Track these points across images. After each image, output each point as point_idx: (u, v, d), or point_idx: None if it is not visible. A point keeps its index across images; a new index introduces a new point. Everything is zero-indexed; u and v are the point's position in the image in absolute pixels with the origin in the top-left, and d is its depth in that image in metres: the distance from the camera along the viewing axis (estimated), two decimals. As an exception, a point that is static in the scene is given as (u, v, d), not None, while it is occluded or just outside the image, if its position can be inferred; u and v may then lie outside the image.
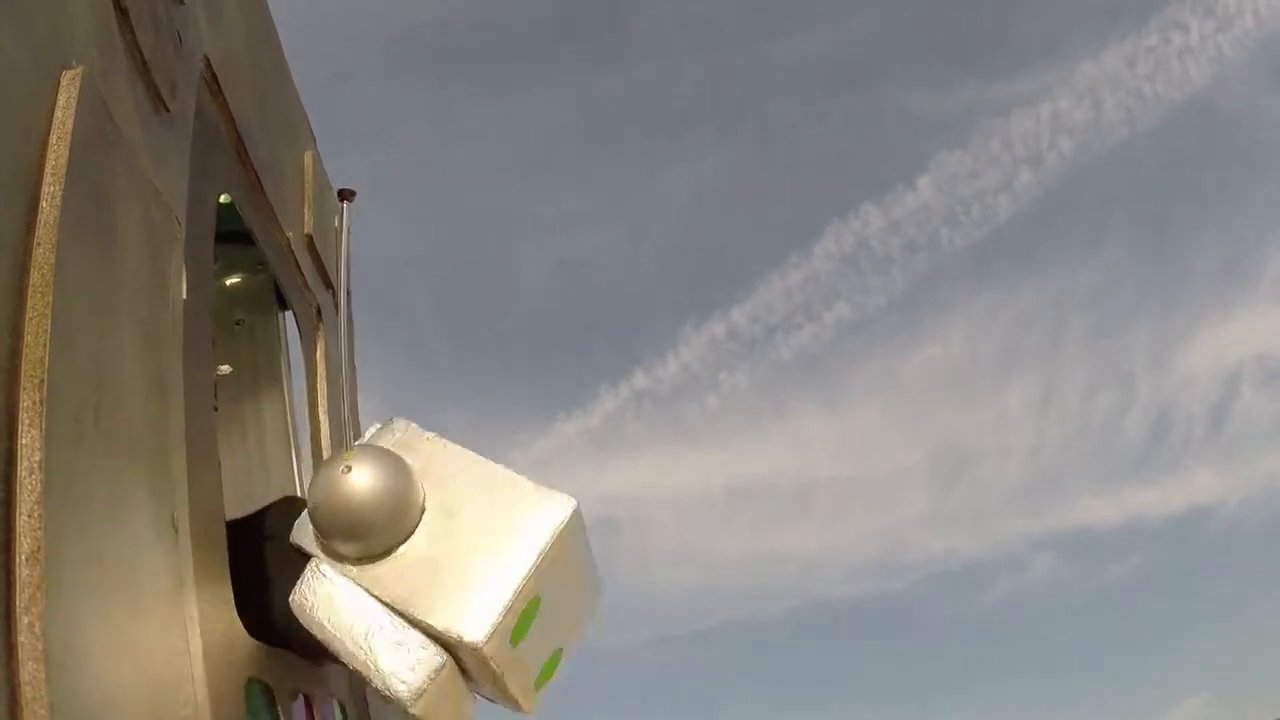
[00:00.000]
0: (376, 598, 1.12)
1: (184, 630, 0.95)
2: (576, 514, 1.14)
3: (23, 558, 0.69)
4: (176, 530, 0.98)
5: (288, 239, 1.87)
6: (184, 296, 1.15)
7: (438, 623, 1.09)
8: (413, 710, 1.09)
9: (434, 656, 1.09)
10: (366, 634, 1.10)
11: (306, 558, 1.19)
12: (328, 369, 2.10)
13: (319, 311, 2.11)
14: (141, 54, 1.09)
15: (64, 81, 0.89)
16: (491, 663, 1.08)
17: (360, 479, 1.13)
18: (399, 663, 1.09)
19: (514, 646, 1.11)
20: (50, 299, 0.78)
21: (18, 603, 0.68)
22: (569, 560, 1.15)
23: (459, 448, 1.22)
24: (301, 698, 1.50)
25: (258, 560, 1.26)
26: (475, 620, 1.08)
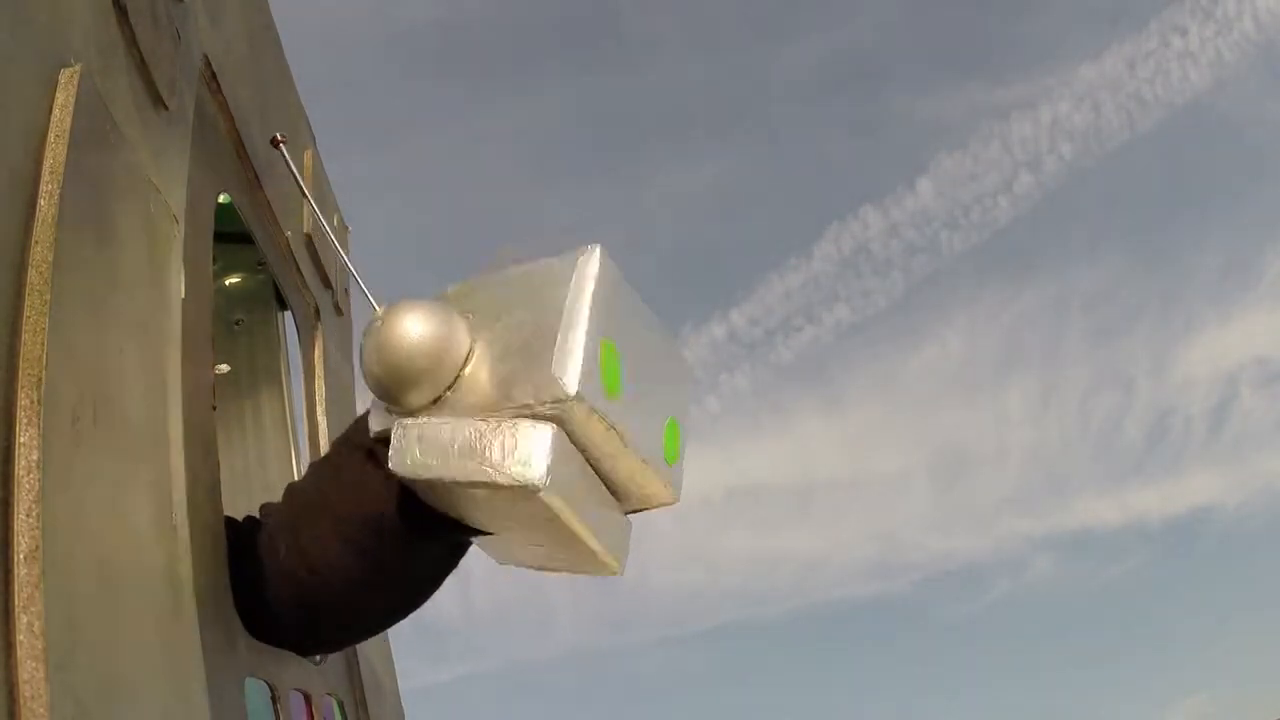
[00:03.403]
0: (465, 419, 1.04)
1: (183, 629, 0.95)
2: (605, 255, 1.05)
3: (21, 556, 0.69)
4: (176, 530, 0.98)
5: (286, 238, 1.87)
6: (183, 295, 1.15)
7: (527, 396, 1.01)
8: (548, 496, 0.98)
9: (542, 427, 0.99)
10: (469, 447, 1.01)
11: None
12: (326, 368, 2.10)
13: (317, 311, 2.11)
14: (140, 51, 1.09)
15: (62, 80, 0.89)
16: (599, 417, 1.00)
17: (393, 328, 1.07)
18: (507, 451, 0.99)
19: (613, 397, 1.02)
20: (48, 297, 0.78)
21: (16, 602, 0.68)
22: (625, 305, 1.07)
23: (479, 275, 1.16)
24: (300, 696, 1.50)
25: (257, 558, 1.26)
26: (560, 373, 0.99)
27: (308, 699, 1.53)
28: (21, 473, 0.71)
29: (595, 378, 1.01)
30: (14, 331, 0.76)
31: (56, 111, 0.87)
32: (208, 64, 1.39)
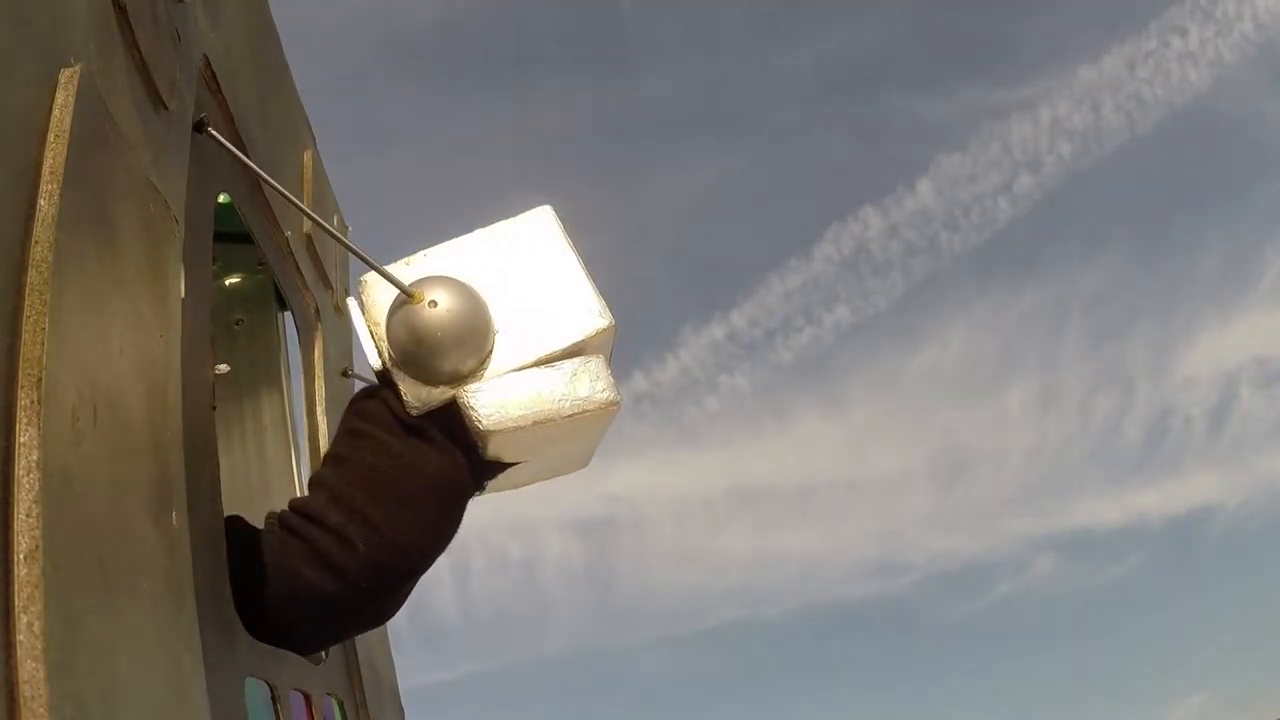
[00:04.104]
0: (519, 370, 1.24)
1: (183, 629, 0.95)
2: (555, 213, 1.35)
3: (21, 556, 0.69)
4: (175, 530, 0.98)
5: (286, 239, 1.87)
6: (183, 295, 1.15)
7: (572, 337, 1.25)
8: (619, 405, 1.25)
9: (596, 360, 1.25)
10: (553, 390, 1.23)
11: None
12: (326, 369, 2.10)
13: (317, 311, 2.11)
14: (140, 52, 1.09)
15: (62, 80, 0.89)
16: (613, 329, 1.28)
17: (448, 303, 1.23)
18: (588, 385, 1.23)
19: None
20: (48, 297, 0.78)
21: (16, 601, 0.68)
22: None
23: (437, 247, 1.34)
24: (300, 696, 1.50)
25: (257, 559, 1.26)
26: (591, 311, 1.27)
27: (308, 699, 1.53)
28: (21, 473, 0.71)
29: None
30: (14, 331, 0.76)
31: (56, 112, 0.87)
32: (208, 64, 1.39)
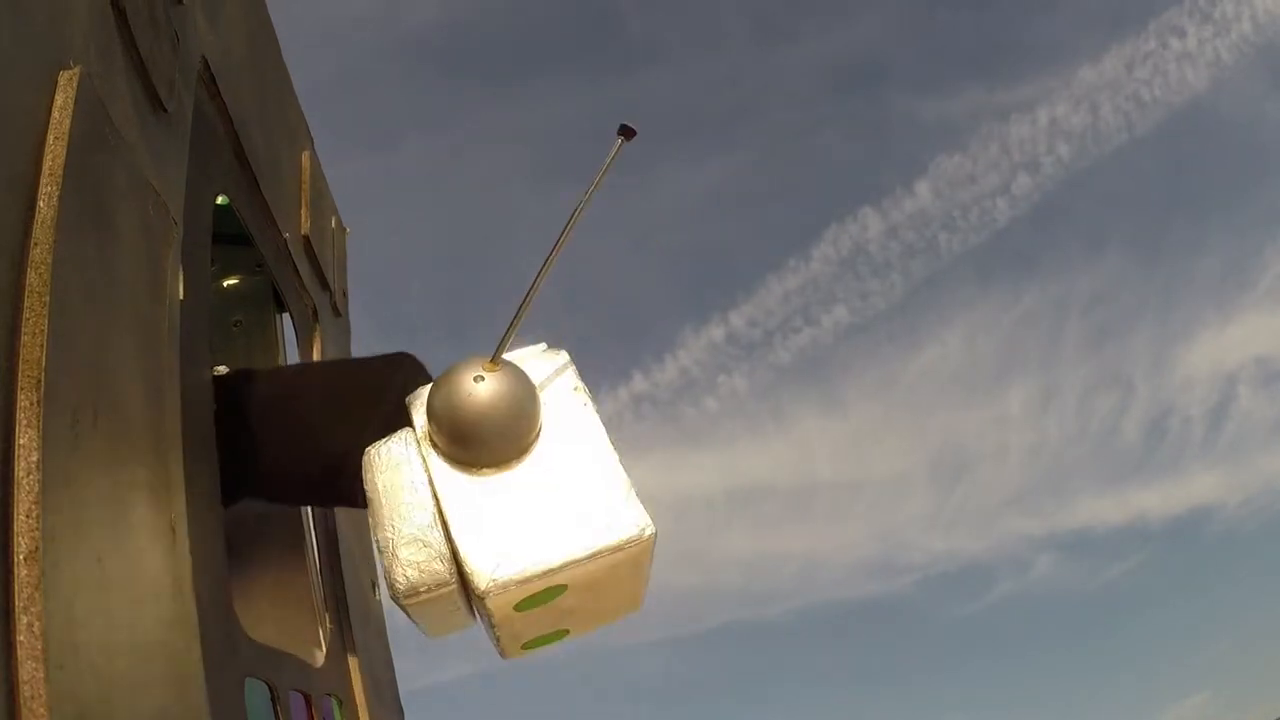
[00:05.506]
0: (435, 495, 1.11)
1: (183, 630, 0.95)
2: (649, 539, 1.09)
3: (20, 557, 0.69)
4: (175, 530, 0.98)
5: (284, 240, 1.87)
6: (181, 296, 1.15)
7: (462, 547, 1.08)
8: (398, 604, 1.09)
9: (446, 574, 1.08)
10: (404, 517, 1.10)
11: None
12: None
13: (315, 312, 2.12)
14: (139, 54, 1.09)
15: (61, 81, 0.89)
16: (488, 611, 1.08)
17: (486, 394, 1.11)
18: (412, 558, 1.08)
19: (516, 611, 1.09)
20: (47, 299, 0.78)
21: (16, 602, 0.68)
22: (618, 574, 1.11)
23: (592, 412, 1.19)
24: (300, 696, 1.50)
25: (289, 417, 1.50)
26: (493, 568, 1.07)
27: (308, 699, 1.53)
28: (21, 474, 0.71)
29: (513, 597, 1.06)
30: (14, 332, 0.76)
31: (55, 113, 0.87)
32: (206, 66, 1.39)
